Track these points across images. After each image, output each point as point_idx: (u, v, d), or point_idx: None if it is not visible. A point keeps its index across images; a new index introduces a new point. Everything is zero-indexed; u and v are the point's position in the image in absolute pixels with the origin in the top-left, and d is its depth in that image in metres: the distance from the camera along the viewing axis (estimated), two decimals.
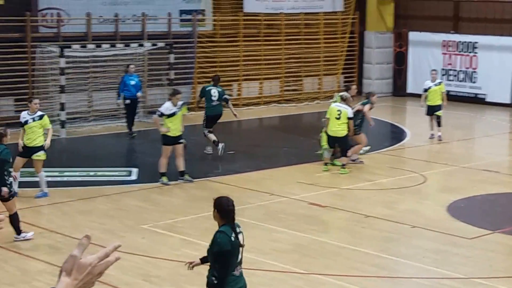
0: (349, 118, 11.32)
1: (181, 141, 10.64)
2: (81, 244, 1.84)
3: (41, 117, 9.78)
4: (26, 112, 9.88)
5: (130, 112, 14.55)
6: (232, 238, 5.09)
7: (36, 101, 9.95)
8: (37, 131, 9.69)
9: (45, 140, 9.77)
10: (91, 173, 11.50)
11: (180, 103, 10.63)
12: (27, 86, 15.14)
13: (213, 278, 5.13)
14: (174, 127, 10.50)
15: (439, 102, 14.01)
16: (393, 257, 8.00)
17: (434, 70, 15.01)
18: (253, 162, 12.37)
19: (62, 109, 14.40)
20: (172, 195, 10.44)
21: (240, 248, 5.18)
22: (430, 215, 9.56)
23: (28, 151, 9.71)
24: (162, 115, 10.52)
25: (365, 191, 10.73)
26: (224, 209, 5.13)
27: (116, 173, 11.56)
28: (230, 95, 18.62)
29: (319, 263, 7.75)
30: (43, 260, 7.65)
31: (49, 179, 11.06)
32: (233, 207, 5.15)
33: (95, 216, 9.30)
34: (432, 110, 14.01)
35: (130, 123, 14.54)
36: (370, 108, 12.25)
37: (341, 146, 11.57)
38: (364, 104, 12.25)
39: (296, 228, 8.87)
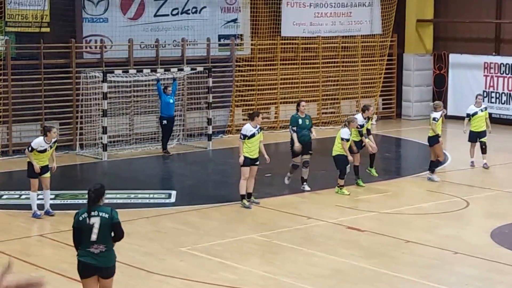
0: (341, 139, 11.36)
1: (257, 163, 10.74)
2: (3, 267, 1.81)
3: (54, 142, 10.19)
4: (42, 139, 10.05)
5: (168, 132, 14.93)
6: (80, 218, 5.96)
7: (55, 129, 10.24)
8: (49, 155, 10.16)
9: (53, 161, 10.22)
10: (132, 196, 11.60)
11: (258, 126, 10.75)
12: (71, 110, 15.48)
13: None
14: (253, 149, 10.60)
15: (484, 128, 13.47)
16: (435, 284, 7.75)
17: (480, 94, 14.29)
18: (290, 185, 12.27)
19: (104, 132, 14.64)
20: (210, 218, 10.42)
21: (94, 229, 5.89)
22: (473, 241, 9.27)
23: (41, 171, 10.07)
24: (245, 137, 10.56)
25: (405, 216, 10.49)
26: (87, 193, 6.04)
27: (156, 196, 11.63)
28: (268, 117, 18.74)
29: None
30: None
31: None
32: (93, 193, 5.98)
33: (134, 238, 9.32)
34: (476, 137, 13.43)
35: (166, 143, 14.93)
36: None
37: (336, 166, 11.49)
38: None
39: (335, 252, 8.71)
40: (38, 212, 10.07)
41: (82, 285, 6.08)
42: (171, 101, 14.89)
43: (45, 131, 10.13)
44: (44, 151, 10.00)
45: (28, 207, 10.49)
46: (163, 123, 14.91)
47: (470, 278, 7.93)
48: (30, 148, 10.05)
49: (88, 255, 5.95)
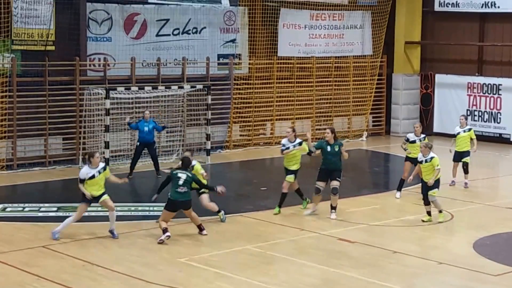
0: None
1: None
2: None
3: (104, 168, 9.75)
4: (87, 167, 9.65)
5: (137, 155, 14.19)
6: (174, 172, 9.83)
7: (98, 155, 9.77)
8: (101, 181, 9.73)
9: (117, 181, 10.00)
10: (132, 208, 11.65)
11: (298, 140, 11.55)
12: (75, 126, 15.56)
13: None
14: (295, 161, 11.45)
15: (467, 148, 13.35)
16: None
17: (462, 115, 14.14)
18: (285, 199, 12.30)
19: (107, 147, 14.70)
20: (207, 230, 10.47)
21: (181, 179, 9.67)
22: (456, 251, 9.37)
23: (95, 199, 9.73)
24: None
25: (393, 228, 10.58)
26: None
27: (155, 208, 11.66)
28: (264, 133, 18.83)
29: None
30: None
31: (93, 213, 11.25)
32: (182, 161, 10.03)
33: (134, 250, 9.39)
34: (459, 157, 13.35)
35: (133, 166, 14.14)
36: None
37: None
38: None
39: (326, 263, 8.79)
40: (57, 235, 9.69)
41: (163, 215, 9.68)
42: (146, 129, 14.00)
43: (88, 158, 9.73)
44: (93, 177, 9.60)
45: (31, 219, 10.54)
46: (136, 145, 14.19)
47: (453, 287, 8.02)
48: (79, 180, 9.65)
49: (176, 194, 9.59)
